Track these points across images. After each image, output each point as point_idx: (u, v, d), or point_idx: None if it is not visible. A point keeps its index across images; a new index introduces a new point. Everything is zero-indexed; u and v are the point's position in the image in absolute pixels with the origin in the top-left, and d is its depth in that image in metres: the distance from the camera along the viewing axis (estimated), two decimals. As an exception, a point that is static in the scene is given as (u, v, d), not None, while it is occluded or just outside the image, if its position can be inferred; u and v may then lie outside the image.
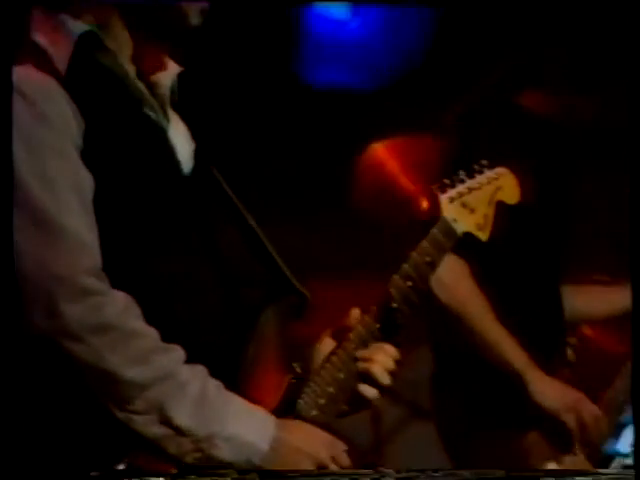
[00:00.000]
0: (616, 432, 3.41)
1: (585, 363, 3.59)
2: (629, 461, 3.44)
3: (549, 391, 3.28)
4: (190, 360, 2.29)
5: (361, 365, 2.41)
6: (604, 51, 3.42)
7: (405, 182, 3.53)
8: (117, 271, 2.28)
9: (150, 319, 2.27)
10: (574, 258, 3.65)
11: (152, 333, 2.26)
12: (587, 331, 3.78)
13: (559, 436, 3.30)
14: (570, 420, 3.26)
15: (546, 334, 3.46)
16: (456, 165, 2.81)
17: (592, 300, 3.64)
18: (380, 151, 3.86)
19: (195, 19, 2.43)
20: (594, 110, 3.51)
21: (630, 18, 3.22)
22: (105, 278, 2.26)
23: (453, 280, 3.23)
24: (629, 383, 3.33)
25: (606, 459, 3.37)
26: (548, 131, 3.46)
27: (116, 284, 2.26)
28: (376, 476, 2.48)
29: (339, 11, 5.31)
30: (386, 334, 2.42)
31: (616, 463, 3.41)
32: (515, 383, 3.27)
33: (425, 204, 2.67)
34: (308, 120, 4.83)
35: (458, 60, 4.00)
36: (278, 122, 4.88)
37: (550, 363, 3.36)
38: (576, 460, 3.28)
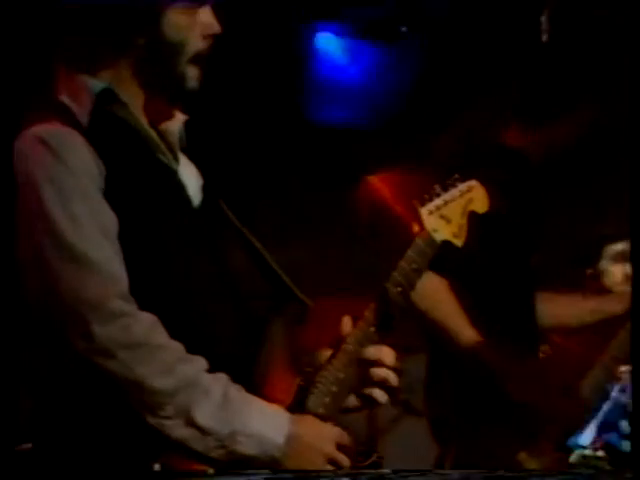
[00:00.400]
0: (580, 428, 3.44)
1: (554, 364, 3.61)
2: (588, 452, 3.47)
3: (520, 387, 3.29)
4: (210, 368, 2.32)
5: (371, 372, 2.43)
6: (569, 90, 3.41)
7: (394, 206, 3.62)
8: (142, 294, 2.30)
9: (173, 334, 2.30)
10: (545, 269, 3.65)
11: (176, 346, 2.29)
12: (557, 338, 3.76)
13: (529, 428, 3.32)
14: (537, 413, 3.29)
15: (519, 339, 3.45)
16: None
17: (562, 310, 3.64)
18: (374, 181, 3.86)
19: (193, 82, 2.46)
20: (563, 141, 3.49)
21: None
22: (132, 301, 2.29)
23: (428, 288, 3.17)
24: (594, 383, 3.42)
25: (567, 449, 3.38)
26: (521, 160, 3.45)
27: (142, 305, 2.29)
28: (375, 476, 2.52)
29: (339, 57, 5.43)
30: (380, 335, 2.43)
31: (576, 455, 3.42)
32: (490, 379, 3.30)
33: (409, 218, 2.59)
34: (311, 154, 4.89)
35: (443, 100, 4.03)
36: (283, 157, 4.94)
37: (523, 363, 3.37)
38: (540, 447, 3.31)
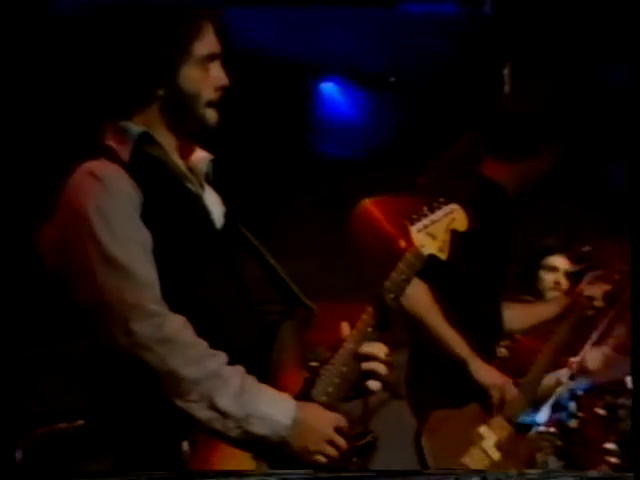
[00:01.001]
0: (535, 408, 3.52)
1: (513, 358, 3.63)
2: (543, 428, 3.58)
3: (484, 373, 3.38)
4: (229, 361, 2.34)
5: (366, 365, 2.45)
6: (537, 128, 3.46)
7: (386, 226, 3.60)
8: (173, 300, 2.34)
9: (199, 333, 2.33)
10: (509, 281, 3.74)
11: (202, 343, 2.32)
12: (517, 336, 3.77)
13: (489, 406, 3.37)
14: (495, 395, 3.35)
15: (486, 336, 3.51)
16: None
17: (517, 315, 3.70)
18: (368, 204, 3.88)
19: (212, 122, 2.47)
20: (534, 177, 3.51)
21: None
22: (164, 304, 2.32)
23: (415, 292, 3.23)
24: (540, 373, 3.51)
25: (525, 427, 3.47)
26: (497, 190, 3.50)
27: (173, 309, 2.33)
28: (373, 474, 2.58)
29: (340, 102, 5.55)
30: (377, 334, 2.47)
31: (533, 431, 3.51)
32: (461, 367, 3.37)
33: (398, 235, 2.64)
34: (316, 182, 5.01)
35: (425, 139, 4.07)
36: (293, 185, 4.98)
37: (488, 357, 3.45)
38: (496, 422, 3.36)
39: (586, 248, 3.85)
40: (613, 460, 3.68)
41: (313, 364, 2.46)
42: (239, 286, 2.49)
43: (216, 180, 2.56)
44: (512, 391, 3.38)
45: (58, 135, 2.59)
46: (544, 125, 3.46)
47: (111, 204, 2.33)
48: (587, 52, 4.71)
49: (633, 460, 2.55)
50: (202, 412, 2.27)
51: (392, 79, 5.16)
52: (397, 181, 3.71)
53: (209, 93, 2.43)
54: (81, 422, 3.91)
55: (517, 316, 3.69)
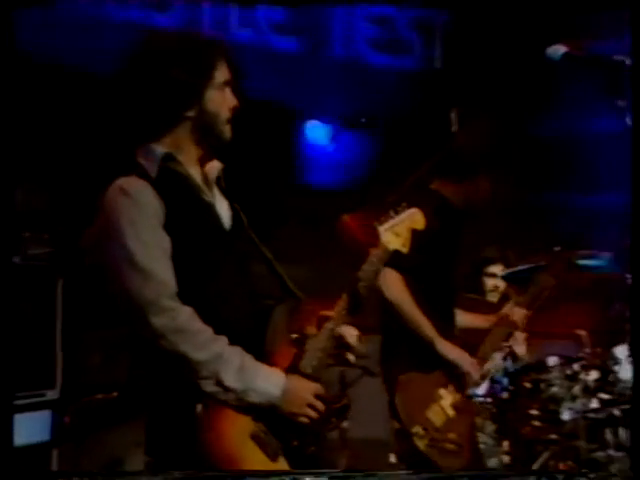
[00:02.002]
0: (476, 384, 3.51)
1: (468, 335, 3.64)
2: (481, 399, 3.73)
3: (449, 349, 3.35)
4: (231, 343, 2.37)
5: (343, 340, 2.50)
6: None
7: (359, 230, 3.64)
8: (188, 292, 2.36)
9: (207, 318, 2.36)
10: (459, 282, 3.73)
11: (207, 330, 2.35)
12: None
13: (455, 375, 3.36)
14: (459, 365, 3.34)
15: (446, 319, 3.50)
16: None
17: (459, 316, 3.65)
18: (346, 218, 4.01)
19: (228, 136, 2.48)
20: (478, 195, 3.47)
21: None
22: (177, 299, 2.34)
23: (390, 282, 3.27)
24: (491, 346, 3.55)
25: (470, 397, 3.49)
26: (447, 204, 3.49)
27: (189, 300, 2.35)
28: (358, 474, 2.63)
29: (323, 138, 5.58)
30: (351, 316, 2.51)
31: (475, 401, 3.57)
32: (429, 345, 3.36)
33: (368, 237, 2.64)
34: (303, 205, 5.06)
35: (395, 167, 3.88)
36: (287, 204, 5.02)
37: (449, 336, 3.43)
38: (452, 387, 3.34)
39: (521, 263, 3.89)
40: (535, 423, 3.77)
41: (294, 336, 2.50)
42: (244, 278, 2.50)
43: (227, 189, 2.58)
44: (471, 363, 3.39)
45: (103, 155, 2.61)
46: (482, 157, 3.45)
47: (138, 216, 2.36)
48: (516, 99, 4.80)
49: (633, 460, 2.40)
50: (209, 387, 2.32)
51: (363, 120, 5.16)
52: (369, 201, 3.70)
53: (226, 112, 2.47)
54: (116, 393, 3.98)
55: (462, 317, 3.67)
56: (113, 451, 3.99)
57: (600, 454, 3.67)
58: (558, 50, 2.34)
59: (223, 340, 2.36)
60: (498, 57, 5.03)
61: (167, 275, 2.36)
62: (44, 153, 4.17)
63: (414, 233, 2.70)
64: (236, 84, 2.50)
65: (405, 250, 2.67)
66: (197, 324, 2.34)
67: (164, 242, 2.37)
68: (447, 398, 3.32)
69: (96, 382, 4.03)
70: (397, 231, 2.68)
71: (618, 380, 3.73)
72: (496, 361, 3.74)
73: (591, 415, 3.71)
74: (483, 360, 3.52)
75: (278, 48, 5.38)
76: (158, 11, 5.12)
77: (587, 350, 3.81)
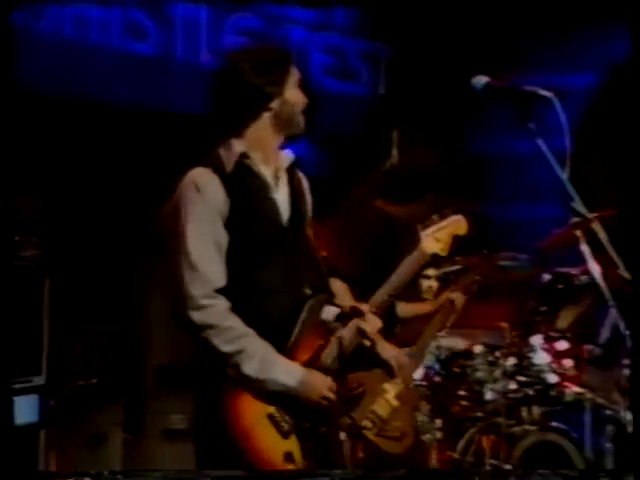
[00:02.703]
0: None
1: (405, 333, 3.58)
2: (419, 382, 3.73)
3: (387, 349, 3.26)
4: (264, 332, 2.39)
5: (365, 334, 2.48)
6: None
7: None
8: (235, 284, 2.38)
9: (246, 310, 2.36)
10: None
11: (237, 327, 2.36)
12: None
13: (389, 370, 3.30)
14: (393, 363, 3.28)
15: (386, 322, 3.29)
16: None
17: (404, 307, 3.61)
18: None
19: (303, 126, 2.49)
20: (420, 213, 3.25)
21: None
22: (215, 296, 2.36)
23: (337, 290, 3.01)
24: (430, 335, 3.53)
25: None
26: (394, 223, 3.42)
27: (233, 291, 2.36)
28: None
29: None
30: (381, 313, 2.54)
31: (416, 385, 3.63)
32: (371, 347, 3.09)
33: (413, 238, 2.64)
34: None
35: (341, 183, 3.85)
36: None
37: (389, 337, 3.33)
38: (395, 380, 3.29)
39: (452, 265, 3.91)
40: (463, 403, 3.85)
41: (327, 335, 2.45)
42: (290, 271, 2.47)
43: (292, 181, 2.53)
44: (404, 360, 3.35)
45: (195, 144, 2.56)
46: (423, 178, 3.45)
47: (202, 211, 2.38)
48: (448, 123, 4.89)
49: (633, 460, 2.28)
50: (235, 374, 2.37)
51: (319, 137, 4.97)
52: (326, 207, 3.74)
53: (301, 104, 2.50)
54: (95, 380, 4.03)
55: (404, 308, 3.65)
56: (95, 430, 4.03)
57: (517, 429, 3.75)
58: (481, 80, 2.37)
59: (250, 335, 2.39)
60: (434, 85, 5.11)
61: (214, 270, 2.38)
62: (36, 163, 4.16)
63: (454, 238, 2.65)
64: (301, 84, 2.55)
65: (444, 254, 2.63)
66: (229, 321, 2.38)
67: (221, 237, 2.40)
68: (391, 391, 3.29)
69: (78, 370, 4.07)
70: (438, 237, 2.63)
71: (532, 365, 3.82)
72: (431, 350, 3.81)
73: (510, 395, 3.79)
74: (423, 348, 3.53)
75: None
76: (135, 39, 5.10)
77: (507, 340, 3.88)
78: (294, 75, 2.52)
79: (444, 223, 2.65)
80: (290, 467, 2.38)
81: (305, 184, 2.61)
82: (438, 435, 3.82)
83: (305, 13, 5.47)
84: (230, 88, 2.48)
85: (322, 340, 2.49)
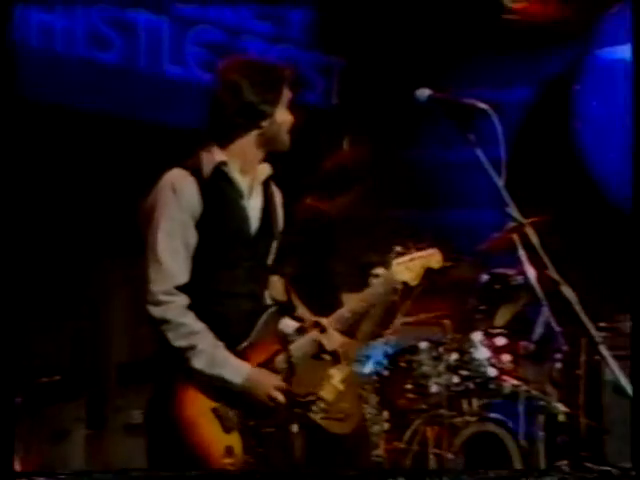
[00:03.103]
0: (363, 363, 3.67)
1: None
2: (367, 375, 3.75)
3: (335, 338, 2.83)
4: (221, 333, 2.37)
5: (323, 348, 2.52)
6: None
7: None
8: (200, 284, 2.38)
9: (207, 310, 2.37)
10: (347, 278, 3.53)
11: (192, 324, 2.36)
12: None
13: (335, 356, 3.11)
14: (340, 350, 2.92)
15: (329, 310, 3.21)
16: None
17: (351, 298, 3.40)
18: None
19: (288, 144, 2.47)
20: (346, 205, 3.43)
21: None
22: (176, 293, 2.36)
23: (278, 287, 3.13)
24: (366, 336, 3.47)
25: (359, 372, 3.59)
26: (324, 217, 3.41)
27: (197, 291, 2.36)
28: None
29: None
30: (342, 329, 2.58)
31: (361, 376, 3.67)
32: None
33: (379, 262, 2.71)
34: None
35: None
36: None
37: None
38: (341, 366, 3.22)
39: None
40: (409, 395, 3.86)
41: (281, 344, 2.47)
42: (252, 279, 2.47)
43: (266, 193, 2.50)
44: (349, 347, 3.25)
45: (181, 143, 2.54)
46: (350, 173, 3.42)
47: (176, 212, 2.38)
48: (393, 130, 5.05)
49: (633, 460, 2.20)
50: (185, 370, 2.38)
51: None
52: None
53: (288, 124, 2.50)
54: (58, 377, 3.98)
55: (350, 298, 3.50)
56: (59, 425, 3.99)
57: (458, 420, 3.80)
58: (424, 92, 2.37)
59: (203, 332, 2.39)
60: (382, 95, 5.16)
61: (177, 267, 2.38)
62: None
63: (427, 270, 2.67)
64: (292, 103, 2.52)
65: (414, 283, 2.66)
66: (183, 318, 2.38)
67: (190, 238, 2.40)
68: (336, 376, 3.29)
69: (42, 367, 4.03)
70: (410, 266, 2.65)
71: (473, 359, 3.86)
72: (379, 346, 3.82)
73: (452, 388, 3.82)
74: (367, 336, 3.49)
75: (206, 82, 5.19)
76: (99, 50, 5.07)
77: (450, 336, 3.92)
78: (286, 95, 2.50)
79: (418, 254, 2.68)
80: (229, 461, 2.37)
81: (278, 198, 2.60)
82: (386, 426, 3.83)
83: (263, 26, 5.44)
84: (226, 102, 2.46)
85: (278, 347, 2.49)
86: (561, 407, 3.84)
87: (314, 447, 3.24)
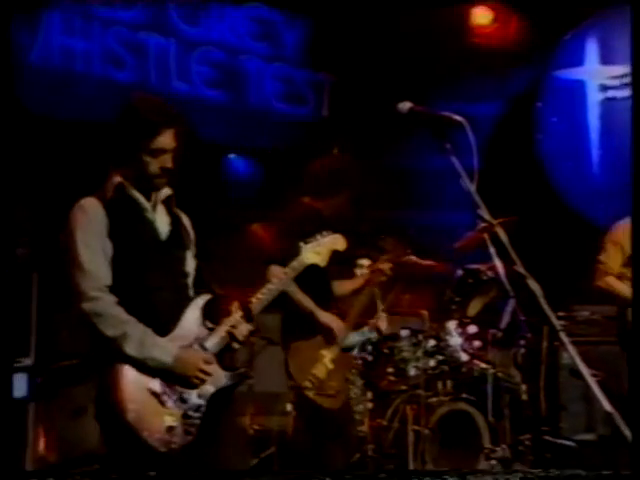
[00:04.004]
0: (349, 349, 3.46)
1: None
2: (353, 359, 3.66)
3: (326, 317, 3.22)
4: (152, 323, 2.38)
5: (235, 335, 2.45)
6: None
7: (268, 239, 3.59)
8: (124, 285, 2.41)
9: (137, 306, 2.39)
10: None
11: (121, 316, 2.38)
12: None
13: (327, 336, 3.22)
14: (334, 328, 3.21)
15: (323, 296, 3.32)
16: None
17: (339, 285, 3.51)
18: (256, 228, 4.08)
19: (160, 184, 2.46)
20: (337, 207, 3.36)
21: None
22: (104, 290, 2.38)
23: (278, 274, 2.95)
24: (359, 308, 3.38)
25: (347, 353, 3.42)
26: (318, 215, 3.30)
27: (122, 291, 2.39)
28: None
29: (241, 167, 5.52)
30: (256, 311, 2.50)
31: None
32: (312, 317, 3.23)
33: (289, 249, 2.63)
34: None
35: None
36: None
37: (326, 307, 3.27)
38: (331, 347, 3.23)
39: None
40: (391, 378, 3.87)
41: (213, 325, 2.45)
42: (173, 275, 2.50)
43: (169, 206, 2.57)
44: (342, 327, 3.30)
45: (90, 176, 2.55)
46: (340, 178, 3.36)
47: (88, 227, 2.43)
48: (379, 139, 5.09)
49: (633, 459, 2.06)
50: (118, 355, 2.37)
51: (269, 151, 5.31)
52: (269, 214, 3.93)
53: (154, 171, 2.46)
54: (76, 361, 3.94)
55: (339, 286, 3.54)
56: (77, 403, 3.94)
57: (434, 399, 3.80)
58: (405, 105, 2.35)
59: (132, 322, 2.39)
60: (368, 108, 5.17)
61: (101, 272, 2.40)
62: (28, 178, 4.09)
63: (333, 252, 2.70)
64: (180, 149, 2.44)
65: (324, 264, 2.67)
66: (113, 310, 2.38)
67: (106, 246, 2.43)
68: (327, 355, 3.26)
69: (62, 352, 4.03)
70: (318, 250, 2.67)
71: (448, 346, 3.88)
72: (364, 332, 3.71)
73: (429, 371, 3.83)
74: (355, 319, 3.43)
75: (209, 98, 5.36)
76: (115, 68, 5.06)
77: (427, 324, 3.93)
78: (160, 143, 2.43)
79: (324, 240, 2.69)
80: (173, 440, 2.35)
81: (186, 220, 2.59)
82: (369, 405, 3.84)
83: (260, 47, 5.51)
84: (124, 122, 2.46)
85: (207, 329, 2.45)
86: (524, 387, 3.87)
87: (308, 422, 3.22)
